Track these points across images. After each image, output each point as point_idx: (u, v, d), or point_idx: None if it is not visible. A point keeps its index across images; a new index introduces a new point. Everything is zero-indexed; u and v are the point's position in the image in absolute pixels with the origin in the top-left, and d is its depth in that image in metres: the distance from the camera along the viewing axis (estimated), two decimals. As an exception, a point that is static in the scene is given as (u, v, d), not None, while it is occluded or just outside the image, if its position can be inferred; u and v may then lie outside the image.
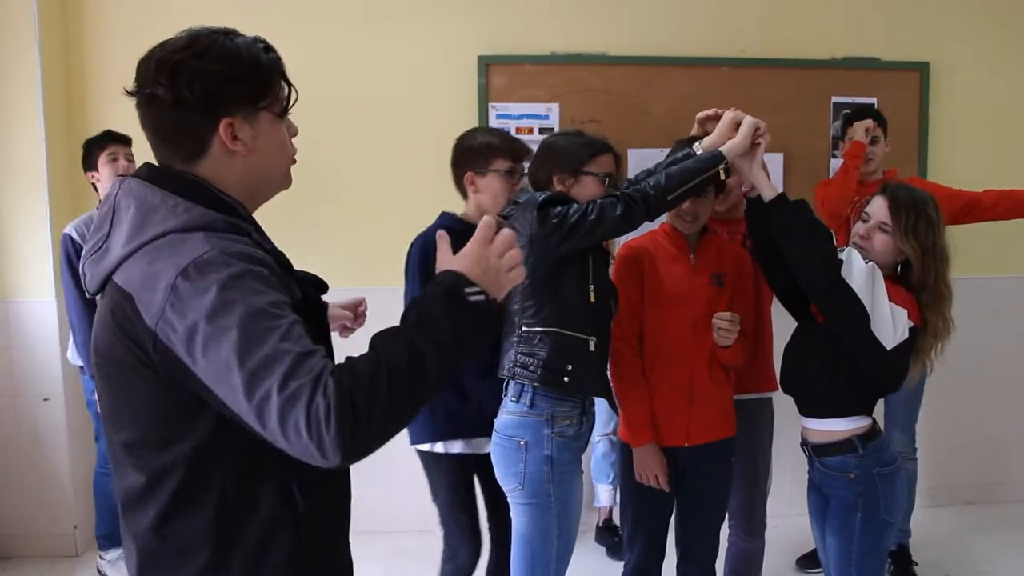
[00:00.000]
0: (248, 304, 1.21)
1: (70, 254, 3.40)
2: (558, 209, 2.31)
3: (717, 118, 2.67)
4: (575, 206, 2.31)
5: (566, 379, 2.39)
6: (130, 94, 1.41)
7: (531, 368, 2.41)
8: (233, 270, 1.24)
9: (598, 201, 2.31)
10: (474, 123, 3.99)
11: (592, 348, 2.42)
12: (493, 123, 4.02)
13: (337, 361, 1.24)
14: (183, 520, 1.32)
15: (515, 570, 2.49)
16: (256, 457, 1.30)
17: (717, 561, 2.84)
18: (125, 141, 3.52)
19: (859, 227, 2.41)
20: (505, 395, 2.50)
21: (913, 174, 4.17)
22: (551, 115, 4.05)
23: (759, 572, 3.13)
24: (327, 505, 1.45)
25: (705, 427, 2.65)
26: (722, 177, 2.40)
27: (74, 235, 3.44)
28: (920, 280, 2.32)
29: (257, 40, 1.45)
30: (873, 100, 4.12)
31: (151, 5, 3.92)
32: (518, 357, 2.42)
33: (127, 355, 1.28)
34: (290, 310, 1.26)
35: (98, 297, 1.38)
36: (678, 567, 2.83)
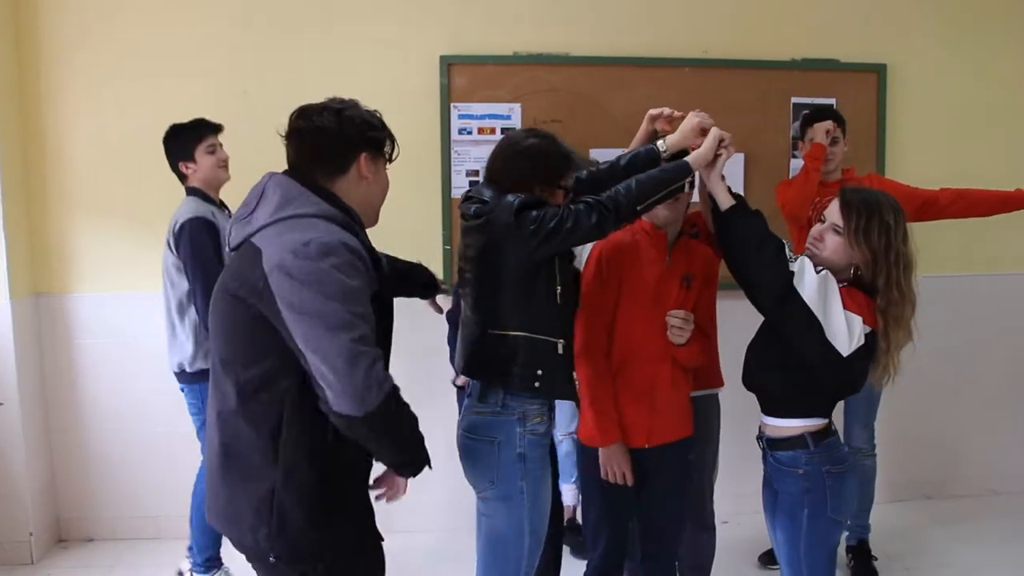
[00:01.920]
0: (344, 283, 1.76)
1: (207, 234, 3.29)
2: (535, 214, 2.28)
3: (667, 118, 2.70)
4: (551, 211, 2.29)
5: (537, 384, 2.38)
6: (293, 127, 1.98)
7: (501, 372, 2.39)
8: (342, 254, 1.78)
9: (572, 208, 2.29)
10: (436, 123, 3.98)
11: (560, 351, 2.41)
12: (455, 123, 4.02)
13: None
14: (258, 413, 1.83)
15: (485, 568, 2.48)
16: (307, 391, 1.79)
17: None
18: (219, 129, 3.46)
19: (814, 228, 2.42)
20: (469, 396, 2.49)
21: (871, 171, 4.22)
22: (513, 115, 4.04)
23: (711, 562, 3.16)
24: (349, 447, 1.88)
25: (665, 428, 2.68)
26: (686, 190, 2.44)
27: (209, 216, 3.33)
28: (872, 283, 2.30)
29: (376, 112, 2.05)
30: (832, 101, 4.16)
31: (106, 9, 3.88)
32: (485, 360, 2.41)
33: (240, 291, 1.81)
34: (368, 299, 1.82)
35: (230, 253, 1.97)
36: (640, 565, 2.85)
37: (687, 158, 2.41)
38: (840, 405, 3.56)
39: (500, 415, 2.41)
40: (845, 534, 3.66)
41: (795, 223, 3.59)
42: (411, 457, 1.98)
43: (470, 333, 2.46)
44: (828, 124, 3.53)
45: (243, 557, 2.00)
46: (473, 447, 2.44)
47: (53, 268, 4.01)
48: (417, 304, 2.71)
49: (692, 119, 2.50)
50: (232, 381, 1.84)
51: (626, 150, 2.68)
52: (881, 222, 2.28)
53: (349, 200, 1.95)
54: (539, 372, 2.37)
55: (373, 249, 1.96)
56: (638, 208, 2.33)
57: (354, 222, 1.92)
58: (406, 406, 1.87)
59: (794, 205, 3.52)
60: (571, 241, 2.33)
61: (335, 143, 1.94)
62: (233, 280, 1.85)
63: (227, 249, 2.01)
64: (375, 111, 2.03)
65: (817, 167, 3.48)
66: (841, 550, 3.49)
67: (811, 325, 2.23)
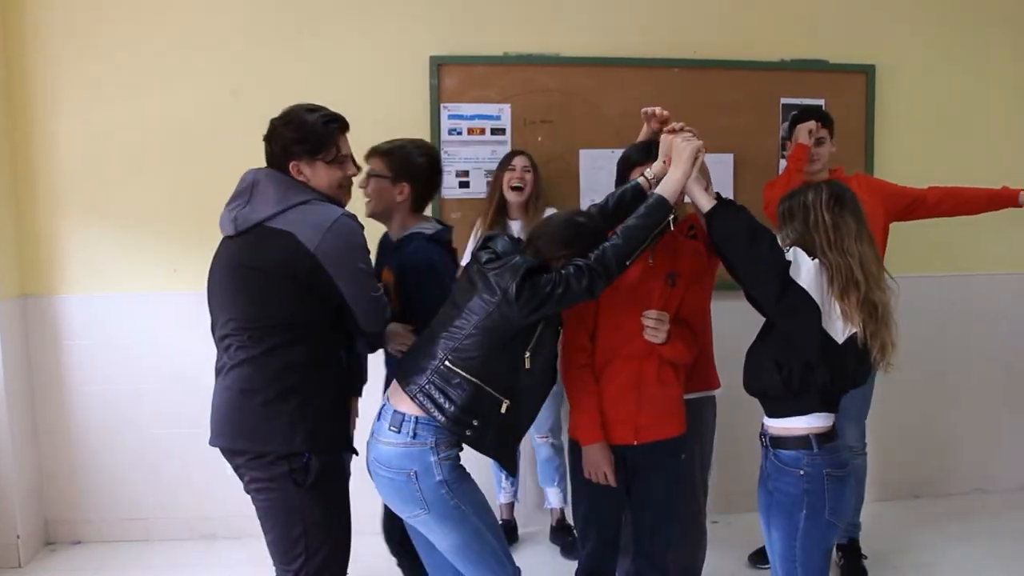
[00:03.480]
0: (365, 252, 2.42)
1: None
2: (533, 281, 2.29)
3: (658, 118, 2.72)
4: (545, 277, 2.30)
5: (468, 432, 2.35)
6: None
7: (438, 404, 2.34)
8: (359, 228, 2.39)
9: (563, 273, 2.30)
10: (426, 124, 3.97)
11: (503, 411, 2.37)
12: (445, 124, 4.01)
13: None
14: (289, 353, 2.34)
15: (472, 570, 2.46)
16: (332, 330, 2.44)
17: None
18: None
19: None
20: (379, 420, 2.44)
21: (859, 171, 4.24)
22: (503, 116, 4.04)
23: (702, 562, 3.16)
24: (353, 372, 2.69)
25: (653, 425, 2.67)
26: (671, 227, 2.46)
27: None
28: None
29: (324, 115, 2.45)
30: (821, 101, 4.18)
31: (93, 7, 3.87)
32: (429, 388, 2.35)
33: (277, 268, 2.30)
34: None
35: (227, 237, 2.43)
36: (633, 563, 2.85)
37: (664, 191, 2.42)
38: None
39: (412, 446, 2.35)
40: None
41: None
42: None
43: (425, 347, 2.43)
44: (811, 124, 3.52)
45: None
46: (391, 480, 2.38)
47: (41, 269, 3.99)
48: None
49: (664, 141, 2.55)
50: (257, 337, 2.33)
51: (616, 149, 2.70)
52: (799, 202, 2.39)
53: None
54: (474, 423, 2.34)
55: None
56: (627, 263, 2.38)
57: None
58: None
59: (777, 205, 3.52)
60: (561, 305, 2.34)
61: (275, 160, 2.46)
62: (253, 257, 2.33)
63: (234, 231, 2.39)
64: (319, 116, 2.43)
65: (800, 167, 3.47)
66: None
67: (812, 312, 2.25)
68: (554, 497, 4.02)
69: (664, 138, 2.54)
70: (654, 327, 2.58)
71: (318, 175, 2.41)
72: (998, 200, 3.57)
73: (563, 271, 2.31)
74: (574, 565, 2.86)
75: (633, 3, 4.15)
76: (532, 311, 2.29)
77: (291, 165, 2.38)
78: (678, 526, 2.87)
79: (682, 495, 2.86)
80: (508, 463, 2.56)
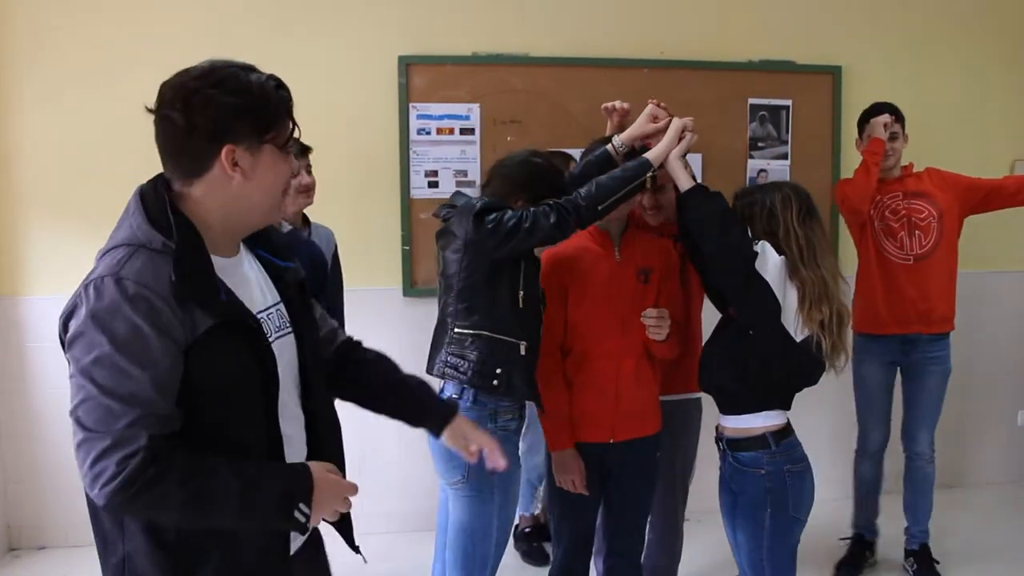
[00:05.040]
0: (119, 336, 1.38)
1: None
2: (493, 215, 2.34)
3: (619, 111, 2.75)
4: (509, 212, 2.34)
5: (495, 382, 2.42)
6: (149, 111, 1.56)
7: (461, 370, 2.43)
8: (123, 296, 1.40)
9: (532, 209, 2.34)
10: (395, 123, 3.96)
11: (523, 352, 2.45)
12: (414, 123, 3.99)
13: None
14: None
15: (452, 561, 2.49)
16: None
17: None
18: (307, 151, 3.11)
19: None
20: (442, 393, 2.49)
21: (827, 173, 4.28)
22: (472, 115, 4.03)
23: (678, 562, 3.18)
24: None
25: (630, 423, 2.68)
26: (648, 186, 2.44)
27: None
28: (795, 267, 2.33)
29: (271, 78, 1.57)
30: (789, 102, 4.22)
31: (66, 7, 3.81)
32: (448, 358, 2.45)
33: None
34: (159, 351, 1.40)
35: None
36: (604, 561, 2.85)
37: (647, 154, 2.43)
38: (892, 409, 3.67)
39: (471, 411, 2.43)
40: (904, 538, 3.73)
41: (855, 220, 3.59)
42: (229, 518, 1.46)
43: (439, 332, 2.52)
44: (885, 118, 3.49)
45: None
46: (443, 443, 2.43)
47: (4, 270, 3.93)
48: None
49: (647, 108, 2.55)
50: None
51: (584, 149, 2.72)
52: (763, 207, 2.36)
53: (212, 207, 1.53)
54: (498, 371, 2.42)
55: (210, 276, 1.49)
56: (599, 208, 2.36)
57: (183, 249, 1.46)
58: (159, 501, 1.39)
59: (853, 201, 3.50)
60: (531, 242, 2.36)
61: (182, 140, 1.51)
62: None
63: None
64: (269, 77, 1.58)
65: (876, 162, 3.45)
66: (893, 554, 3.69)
67: (772, 307, 2.26)
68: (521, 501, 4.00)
69: (648, 108, 2.56)
70: (656, 325, 2.57)
71: (261, 169, 1.53)
72: None
73: (531, 208, 2.35)
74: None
75: (602, 4, 4.16)
76: (499, 244, 2.33)
77: (224, 151, 1.49)
78: (653, 524, 2.89)
79: (658, 493, 2.87)
80: (537, 399, 2.58)
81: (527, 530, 3.98)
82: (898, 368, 3.67)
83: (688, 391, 2.94)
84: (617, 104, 2.85)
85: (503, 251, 2.35)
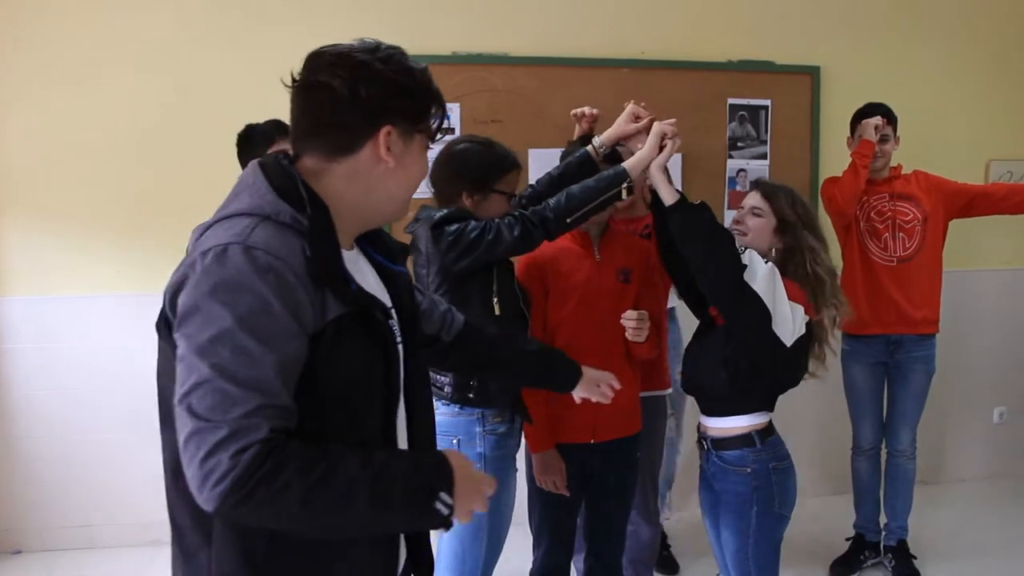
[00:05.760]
0: (243, 310, 1.21)
1: None
2: (454, 227, 2.29)
3: (588, 117, 2.76)
4: (472, 224, 2.29)
5: (471, 395, 2.40)
6: (295, 83, 1.41)
7: (438, 384, 2.41)
8: (252, 266, 1.23)
9: (496, 221, 2.30)
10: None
11: None
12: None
13: None
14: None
15: (444, 566, 2.47)
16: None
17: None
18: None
19: (736, 214, 2.51)
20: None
21: (806, 173, 4.30)
22: (452, 115, 4.02)
23: (655, 556, 3.20)
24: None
25: (611, 424, 2.68)
26: (623, 197, 2.40)
27: None
28: (793, 268, 2.37)
29: (427, 67, 1.46)
30: (768, 102, 4.23)
31: (33, 4, 3.77)
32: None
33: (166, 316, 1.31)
34: (290, 333, 1.24)
35: None
36: (584, 561, 2.86)
37: (626, 163, 2.39)
38: (883, 407, 3.71)
39: (460, 415, 2.43)
40: (883, 534, 3.76)
41: (840, 221, 3.60)
42: (356, 525, 1.30)
43: None
44: (877, 120, 3.51)
45: None
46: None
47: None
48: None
49: (628, 108, 2.54)
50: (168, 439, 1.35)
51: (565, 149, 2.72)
52: (795, 200, 2.41)
53: (349, 193, 1.40)
54: (472, 383, 2.39)
55: (332, 258, 1.34)
56: (568, 220, 2.33)
57: (318, 225, 1.32)
58: (280, 495, 1.18)
59: (840, 202, 3.52)
60: (495, 254, 2.32)
61: (341, 112, 1.37)
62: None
63: None
64: (426, 67, 1.46)
65: (865, 164, 3.47)
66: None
67: (764, 315, 2.26)
68: None
69: (630, 106, 2.55)
70: (636, 327, 2.55)
71: (409, 159, 1.44)
72: None
73: (496, 220, 2.31)
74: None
75: (582, 4, 4.16)
76: (460, 255, 2.28)
77: (383, 132, 1.38)
78: (632, 525, 2.90)
79: (637, 493, 2.88)
80: (520, 409, 2.54)
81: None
82: (885, 367, 3.70)
83: (655, 388, 2.96)
84: (587, 110, 2.85)
85: (464, 263, 2.30)
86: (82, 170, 3.78)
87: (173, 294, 1.26)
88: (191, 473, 1.17)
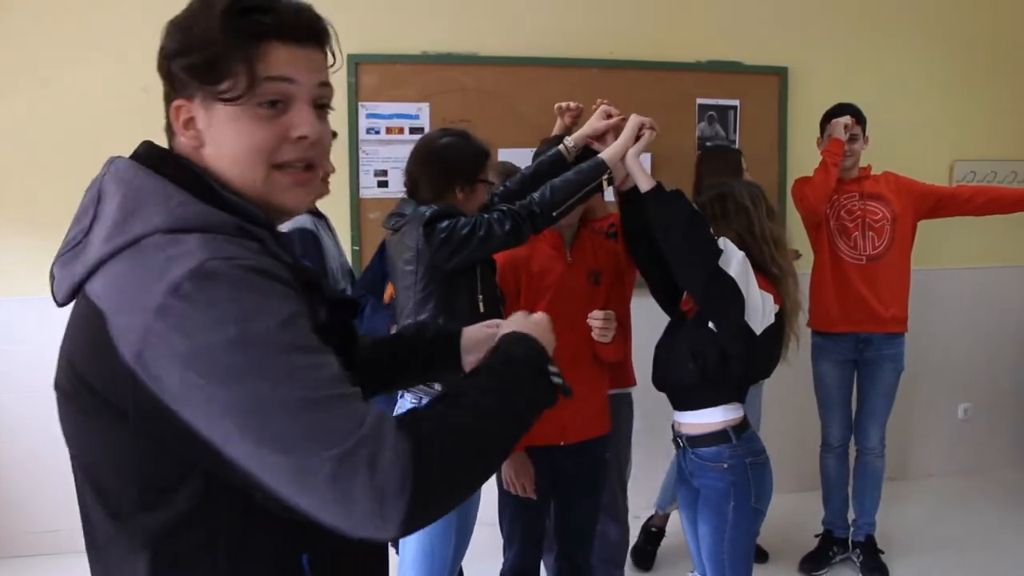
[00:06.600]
0: (270, 332, 0.93)
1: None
2: (445, 224, 2.27)
3: (571, 111, 2.75)
4: (463, 220, 2.27)
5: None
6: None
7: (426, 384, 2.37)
8: (247, 283, 0.95)
9: (486, 217, 2.28)
10: (344, 122, 3.92)
11: None
12: (363, 123, 3.97)
13: None
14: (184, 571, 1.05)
15: (412, 562, 2.45)
16: (251, 526, 1.03)
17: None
18: None
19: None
20: (402, 398, 2.48)
21: (774, 172, 4.33)
22: (421, 115, 4.01)
23: (624, 555, 3.21)
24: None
25: (580, 425, 2.68)
26: (605, 187, 2.41)
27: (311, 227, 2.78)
28: (758, 263, 2.38)
29: (241, 3, 1.07)
30: (736, 102, 4.26)
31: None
32: None
33: (91, 390, 0.99)
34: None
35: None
36: (556, 562, 2.86)
37: (602, 154, 2.40)
38: (851, 405, 3.77)
39: None
40: (852, 530, 3.79)
41: (811, 219, 3.63)
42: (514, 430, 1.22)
43: None
44: (847, 119, 3.54)
45: None
46: None
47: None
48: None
49: (600, 107, 2.55)
50: (129, 533, 1.12)
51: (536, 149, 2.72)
52: (736, 204, 2.41)
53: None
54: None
55: (300, 263, 1.14)
56: (554, 214, 2.33)
57: (253, 222, 1.08)
58: (449, 428, 1.02)
59: (811, 200, 3.54)
60: (486, 250, 2.31)
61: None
62: (77, 363, 1.02)
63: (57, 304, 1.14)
64: (240, 2, 1.08)
65: (835, 162, 3.49)
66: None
67: (738, 301, 2.28)
68: None
69: (602, 108, 2.56)
70: (602, 327, 2.54)
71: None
72: None
73: (485, 215, 2.30)
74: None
75: (551, 4, 4.17)
76: (452, 253, 2.26)
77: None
78: (599, 524, 2.90)
79: (605, 493, 2.89)
80: None
81: (653, 529, 3.88)
82: (854, 365, 3.73)
83: (618, 387, 2.97)
84: (571, 104, 2.85)
85: (457, 260, 2.29)
86: (44, 169, 3.72)
87: (136, 354, 0.94)
88: (354, 522, 0.93)
